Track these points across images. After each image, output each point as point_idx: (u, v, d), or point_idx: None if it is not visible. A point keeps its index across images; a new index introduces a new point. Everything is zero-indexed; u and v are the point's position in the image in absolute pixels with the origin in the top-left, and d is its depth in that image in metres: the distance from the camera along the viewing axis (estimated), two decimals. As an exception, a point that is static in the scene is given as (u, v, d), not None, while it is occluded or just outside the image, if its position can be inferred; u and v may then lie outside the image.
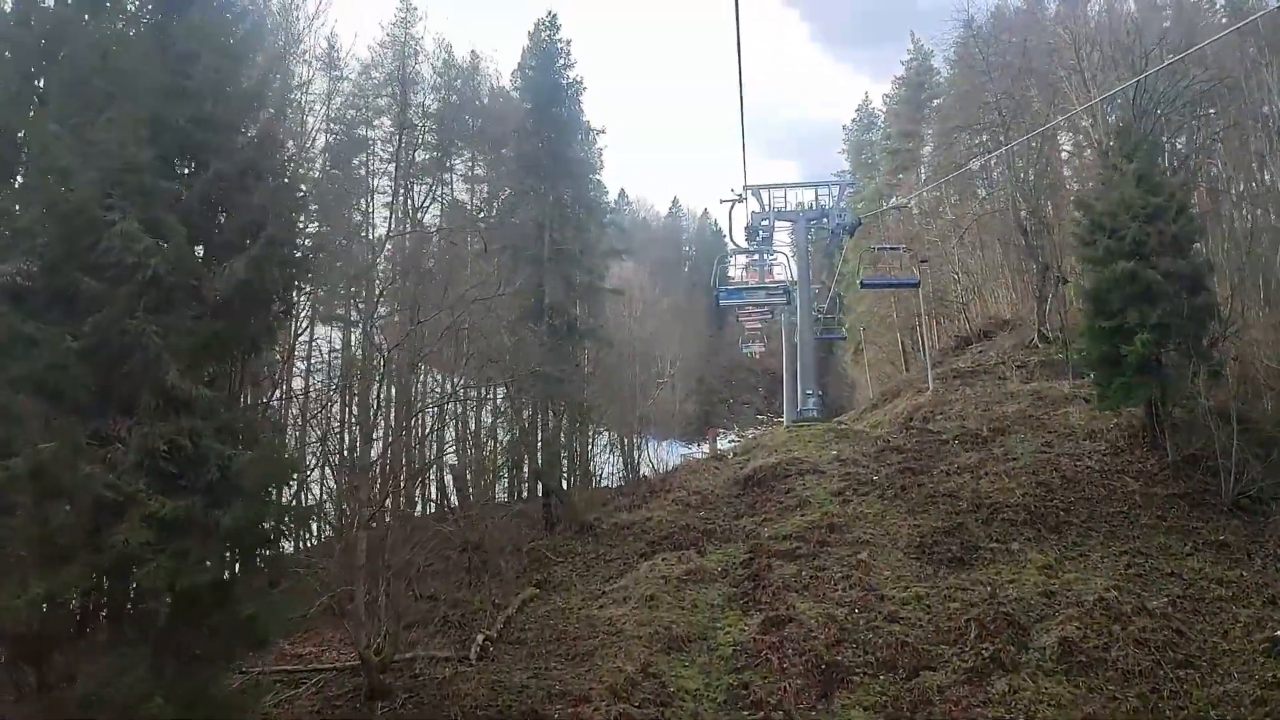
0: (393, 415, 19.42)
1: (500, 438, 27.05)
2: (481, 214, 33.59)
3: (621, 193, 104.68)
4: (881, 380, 59.56)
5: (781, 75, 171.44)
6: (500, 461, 26.67)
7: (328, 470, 17.33)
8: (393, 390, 18.48)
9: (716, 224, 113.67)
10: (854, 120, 70.19)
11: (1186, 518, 18.67)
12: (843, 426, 28.57)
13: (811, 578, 17.71)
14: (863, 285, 37.34)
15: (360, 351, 20.94)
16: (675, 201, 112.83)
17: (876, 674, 14.30)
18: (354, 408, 20.14)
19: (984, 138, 42.26)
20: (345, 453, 17.36)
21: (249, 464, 10.09)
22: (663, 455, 48.28)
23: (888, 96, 62.71)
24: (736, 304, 34.19)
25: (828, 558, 18.48)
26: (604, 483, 33.90)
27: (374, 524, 15.45)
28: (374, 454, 16.86)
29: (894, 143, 56.70)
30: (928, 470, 22.68)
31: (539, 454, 25.13)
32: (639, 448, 48.70)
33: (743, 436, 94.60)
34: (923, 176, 52.57)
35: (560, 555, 21.92)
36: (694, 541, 20.93)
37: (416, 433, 22.77)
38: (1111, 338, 20.45)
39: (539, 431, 25.70)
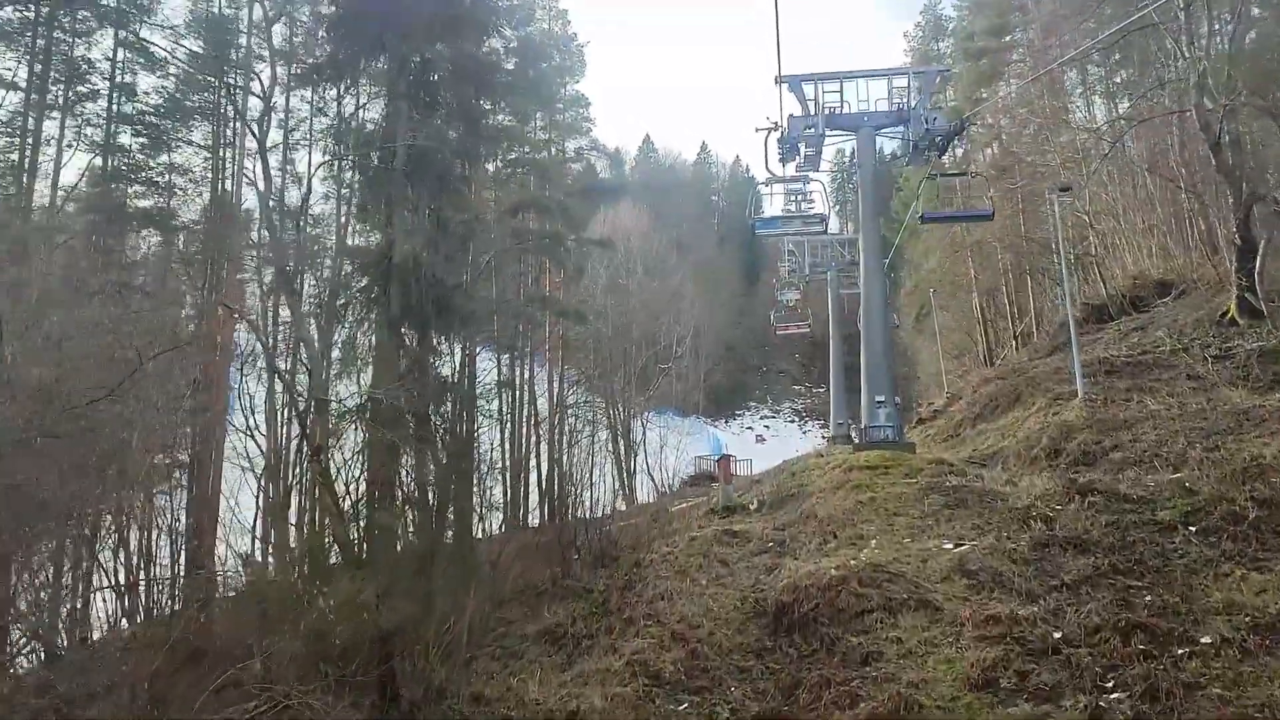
0: None
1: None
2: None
3: (646, 138, 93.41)
4: (952, 355, 47.58)
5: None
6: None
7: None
8: None
9: (749, 170, 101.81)
10: (918, 26, 56.58)
11: None
12: (955, 479, 16.16)
13: None
14: (923, 220, 27.39)
15: None
16: (704, 147, 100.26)
17: None
18: None
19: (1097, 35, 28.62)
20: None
21: None
22: (676, 446, 37.80)
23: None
24: (772, 234, 31.41)
25: None
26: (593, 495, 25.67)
27: None
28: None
29: (979, 41, 42.76)
30: (1168, 622, 10.47)
31: (362, 557, 12.97)
32: (636, 449, 37.84)
33: (776, 413, 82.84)
34: (1013, 87, 39.43)
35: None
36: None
37: None
38: None
39: (369, 514, 13.56)
